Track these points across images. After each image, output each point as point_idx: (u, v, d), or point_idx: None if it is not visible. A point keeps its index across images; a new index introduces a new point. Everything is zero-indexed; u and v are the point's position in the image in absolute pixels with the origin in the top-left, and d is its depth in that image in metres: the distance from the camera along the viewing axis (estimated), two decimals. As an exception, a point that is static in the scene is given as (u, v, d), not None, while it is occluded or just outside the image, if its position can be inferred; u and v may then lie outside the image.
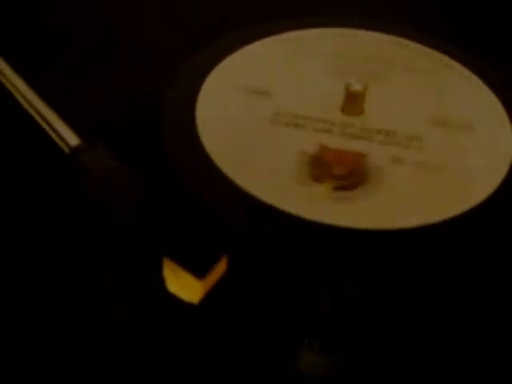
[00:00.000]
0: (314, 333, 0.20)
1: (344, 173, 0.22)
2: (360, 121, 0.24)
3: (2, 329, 0.20)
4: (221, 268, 0.20)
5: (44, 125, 0.24)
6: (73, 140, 0.23)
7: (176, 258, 0.19)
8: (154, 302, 0.20)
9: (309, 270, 0.20)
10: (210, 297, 0.19)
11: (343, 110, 0.25)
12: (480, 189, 0.22)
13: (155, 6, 0.32)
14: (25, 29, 0.30)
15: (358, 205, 0.21)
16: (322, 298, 0.20)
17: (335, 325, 0.20)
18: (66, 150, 0.23)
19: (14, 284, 0.21)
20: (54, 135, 0.23)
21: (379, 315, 0.20)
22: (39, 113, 0.24)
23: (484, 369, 0.20)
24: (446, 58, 0.27)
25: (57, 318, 0.20)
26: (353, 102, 0.24)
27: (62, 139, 0.23)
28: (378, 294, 0.20)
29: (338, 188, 0.21)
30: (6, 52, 0.26)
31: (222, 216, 0.21)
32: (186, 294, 0.19)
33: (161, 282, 0.20)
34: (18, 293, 0.20)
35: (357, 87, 0.24)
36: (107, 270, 0.21)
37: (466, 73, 0.27)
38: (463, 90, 0.26)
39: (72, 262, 0.21)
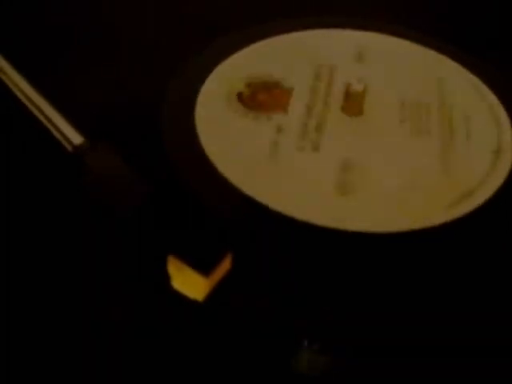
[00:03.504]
0: (314, 333, 0.20)
1: None
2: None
3: (2, 329, 0.20)
4: (225, 265, 0.20)
5: (47, 123, 0.24)
6: (76, 139, 0.23)
7: (181, 256, 0.19)
8: (157, 300, 0.20)
9: (308, 270, 0.20)
10: (214, 294, 0.19)
11: (343, 110, 0.25)
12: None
13: (155, 6, 0.32)
14: (25, 29, 0.30)
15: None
16: (322, 298, 0.20)
17: (335, 325, 0.20)
18: (69, 148, 0.23)
19: (13, 285, 0.21)
20: (56, 133, 0.23)
21: (380, 315, 0.20)
22: (42, 111, 0.24)
23: (483, 369, 0.20)
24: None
25: (56, 317, 0.20)
26: (353, 101, 0.24)
27: (65, 138, 0.23)
28: (379, 295, 0.20)
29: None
30: (6, 52, 0.26)
31: (222, 216, 0.21)
32: (191, 292, 0.20)
33: (166, 279, 0.20)
34: (17, 294, 0.20)
35: (357, 87, 0.24)
36: (108, 270, 0.21)
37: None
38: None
39: (72, 262, 0.21)
